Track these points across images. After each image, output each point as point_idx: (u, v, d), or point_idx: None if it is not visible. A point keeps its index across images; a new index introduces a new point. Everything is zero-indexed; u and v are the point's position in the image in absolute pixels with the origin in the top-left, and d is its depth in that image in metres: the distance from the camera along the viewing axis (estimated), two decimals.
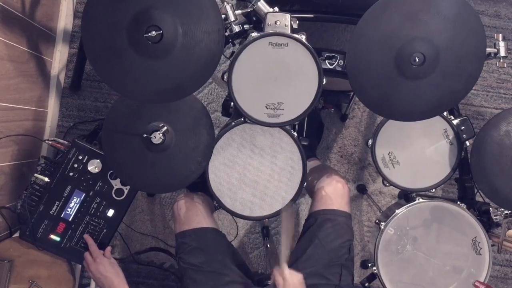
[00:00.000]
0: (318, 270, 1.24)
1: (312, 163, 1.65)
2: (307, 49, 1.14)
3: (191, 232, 1.31)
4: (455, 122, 1.32)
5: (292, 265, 1.28)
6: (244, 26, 1.22)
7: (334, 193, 1.34)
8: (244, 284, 1.27)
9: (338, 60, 1.26)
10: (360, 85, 1.15)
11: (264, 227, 1.94)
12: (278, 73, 1.17)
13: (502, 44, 1.19)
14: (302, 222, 1.43)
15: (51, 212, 1.40)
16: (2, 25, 1.44)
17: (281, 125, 1.23)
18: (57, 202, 1.40)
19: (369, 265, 1.39)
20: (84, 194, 1.41)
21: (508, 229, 1.30)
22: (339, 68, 1.26)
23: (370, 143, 1.34)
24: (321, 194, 1.35)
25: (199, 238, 1.30)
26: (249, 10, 1.22)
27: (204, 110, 1.26)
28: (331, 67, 1.27)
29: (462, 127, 1.32)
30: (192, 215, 1.33)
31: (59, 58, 1.86)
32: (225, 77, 1.17)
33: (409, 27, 1.07)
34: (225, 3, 1.16)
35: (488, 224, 1.36)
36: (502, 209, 1.33)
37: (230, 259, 1.31)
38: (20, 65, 1.57)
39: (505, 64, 1.21)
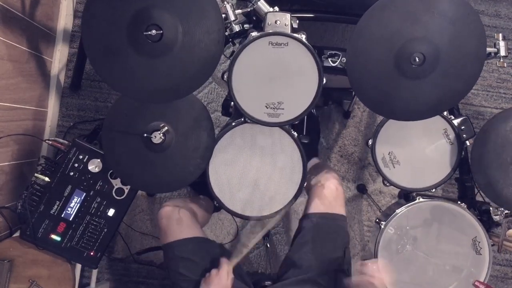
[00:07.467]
0: (311, 277, 1.23)
1: (311, 162, 1.65)
2: (307, 48, 1.15)
3: (178, 243, 1.29)
4: (455, 121, 1.32)
5: (285, 272, 1.28)
6: (244, 25, 1.22)
7: (328, 195, 1.32)
8: None
9: (341, 58, 1.26)
10: (360, 85, 1.15)
11: None
12: (278, 72, 1.17)
13: (502, 44, 1.19)
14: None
15: (52, 211, 1.40)
16: (2, 25, 1.44)
17: (281, 125, 1.23)
18: (57, 201, 1.40)
19: None
20: (84, 194, 1.41)
21: (508, 228, 1.30)
22: (341, 66, 1.26)
23: (370, 143, 1.34)
24: (315, 196, 1.33)
25: (187, 248, 1.28)
26: (249, 10, 1.22)
27: (204, 111, 1.26)
28: (333, 64, 1.26)
29: (462, 127, 1.32)
30: (177, 225, 1.31)
31: (59, 57, 1.86)
32: (225, 76, 1.17)
33: (409, 27, 1.07)
34: (225, 2, 1.17)
35: (488, 224, 1.36)
36: (502, 209, 1.33)
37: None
38: (20, 65, 1.58)
39: (505, 63, 1.21)
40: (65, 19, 1.87)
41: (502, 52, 1.19)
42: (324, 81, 1.16)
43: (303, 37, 1.14)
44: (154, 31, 1.02)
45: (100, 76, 1.13)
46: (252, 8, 1.20)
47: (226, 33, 1.19)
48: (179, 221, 1.32)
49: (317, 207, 1.32)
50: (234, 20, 1.18)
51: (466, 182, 1.42)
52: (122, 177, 1.37)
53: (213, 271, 1.14)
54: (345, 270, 1.26)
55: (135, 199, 1.51)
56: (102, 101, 1.92)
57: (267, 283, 1.33)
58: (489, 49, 1.18)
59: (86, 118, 1.91)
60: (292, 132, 1.27)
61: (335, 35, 1.91)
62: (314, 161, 1.70)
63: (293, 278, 1.24)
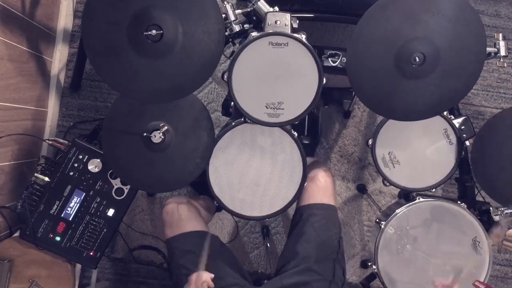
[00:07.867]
0: (310, 266, 1.24)
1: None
2: (307, 48, 1.14)
3: (181, 237, 1.30)
4: (455, 121, 1.32)
5: (284, 264, 1.29)
6: (244, 25, 1.22)
7: (317, 187, 1.35)
8: (240, 286, 1.26)
9: (341, 58, 1.26)
10: (360, 85, 1.15)
11: (264, 226, 1.94)
12: (278, 72, 1.17)
13: (502, 44, 1.19)
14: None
15: (51, 211, 1.40)
16: (2, 25, 1.44)
17: (281, 125, 1.23)
18: (57, 201, 1.40)
19: (369, 264, 1.39)
20: (84, 194, 1.41)
21: (508, 228, 1.30)
22: (341, 66, 1.26)
23: (370, 143, 1.34)
24: (305, 190, 1.35)
25: (190, 241, 1.29)
26: (249, 10, 1.22)
27: (204, 111, 1.26)
28: (333, 64, 1.26)
29: (462, 127, 1.32)
30: (181, 219, 1.33)
31: (59, 57, 1.86)
32: (225, 76, 1.17)
33: (409, 27, 1.07)
34: (225, 2, 1.16)
35: (488, 224, 1.36)
36: (502, 209, 1.33)
37: (223, 262, 1.29)
38: (20, 65, 1.57)
39: (505, 63, 1.21)
40: (65, 19, 1.87)
41: (502, 52, 1.19)
42: (324, 81, 1.16)
43: (303, 37, 1.14)
44: (154, 31, 1.02)
45: (100, 76, 1.13)
46: (252, 8, 1.20)
47: (226, 33, 1.19)
48: (182, 216, 1.34)
49: (307, 199, 1.35)
50: (234, 20, 1.18)
51: (466, 182, 1.42)
52: (122, 177, 1.37)
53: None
54: (340, 260, 1.28)
55: (135, 199, 1.51)
56: (102, 101, 1.92)
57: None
58: (489, 49, 1.18)
59: (86, 118, 1.91)
60: (292, 132, 1.27)
61: (335, 35, 1.91)
62: (308, 159, 1.70)
63: (291, 270, 1.24)
